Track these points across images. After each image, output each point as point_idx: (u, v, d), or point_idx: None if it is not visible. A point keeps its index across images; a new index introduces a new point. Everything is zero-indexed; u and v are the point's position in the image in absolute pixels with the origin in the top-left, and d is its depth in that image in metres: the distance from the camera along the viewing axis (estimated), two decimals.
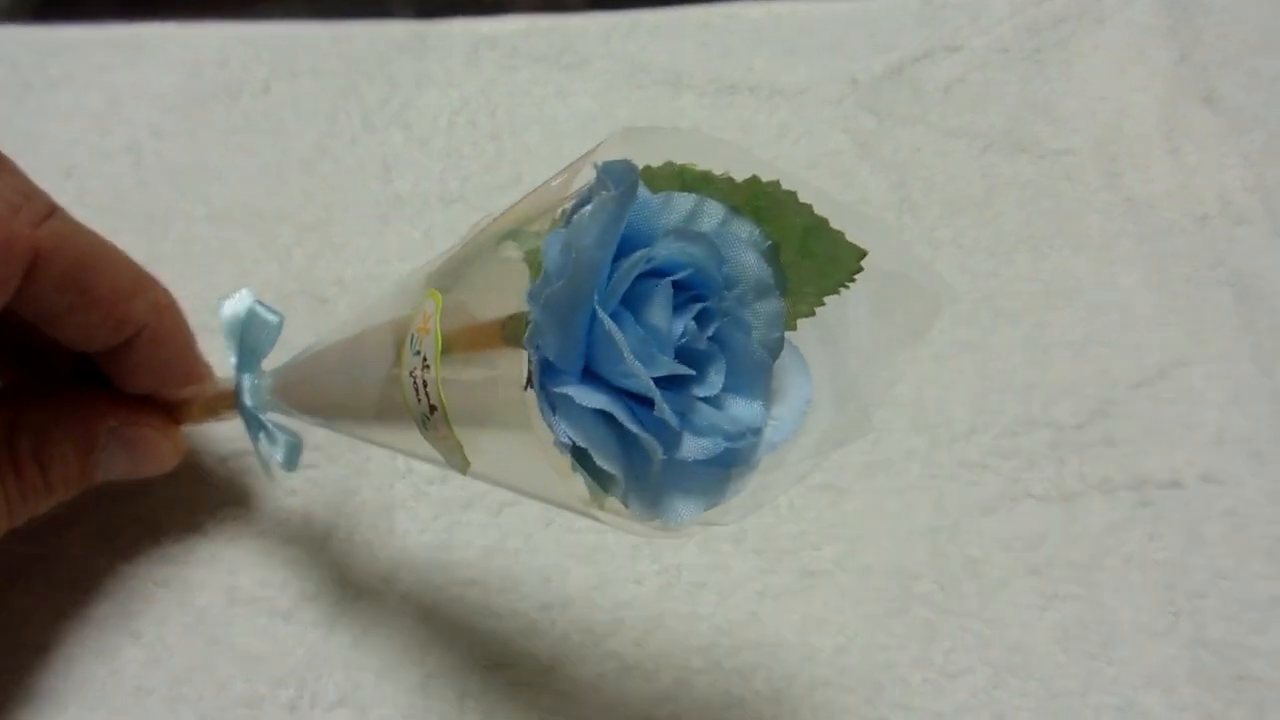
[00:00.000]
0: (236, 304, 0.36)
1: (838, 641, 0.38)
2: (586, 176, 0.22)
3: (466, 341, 0.24)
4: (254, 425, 0.35)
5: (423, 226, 0.46)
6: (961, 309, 0.45)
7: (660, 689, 0.37)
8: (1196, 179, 0.47)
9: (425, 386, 0.22)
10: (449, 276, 0.25)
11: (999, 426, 0.42)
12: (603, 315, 0.21)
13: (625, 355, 0.20)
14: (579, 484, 0.22)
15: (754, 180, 0.23)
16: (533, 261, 0.22)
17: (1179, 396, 0.42)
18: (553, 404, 0.21)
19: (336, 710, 0.37)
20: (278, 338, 0.36)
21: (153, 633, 0.38)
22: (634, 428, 0.21)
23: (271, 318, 0.36)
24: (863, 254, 0.23)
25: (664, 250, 0.22)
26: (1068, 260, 0.46)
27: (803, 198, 0.23)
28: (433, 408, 0.22)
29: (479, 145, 0.48)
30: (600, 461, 0.21)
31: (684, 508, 0.22)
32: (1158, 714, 0.37)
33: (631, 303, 0.22)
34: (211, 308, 0.44)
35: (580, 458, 0.21)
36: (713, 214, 0.22)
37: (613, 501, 0.22)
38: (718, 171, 0.23)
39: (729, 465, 0.23)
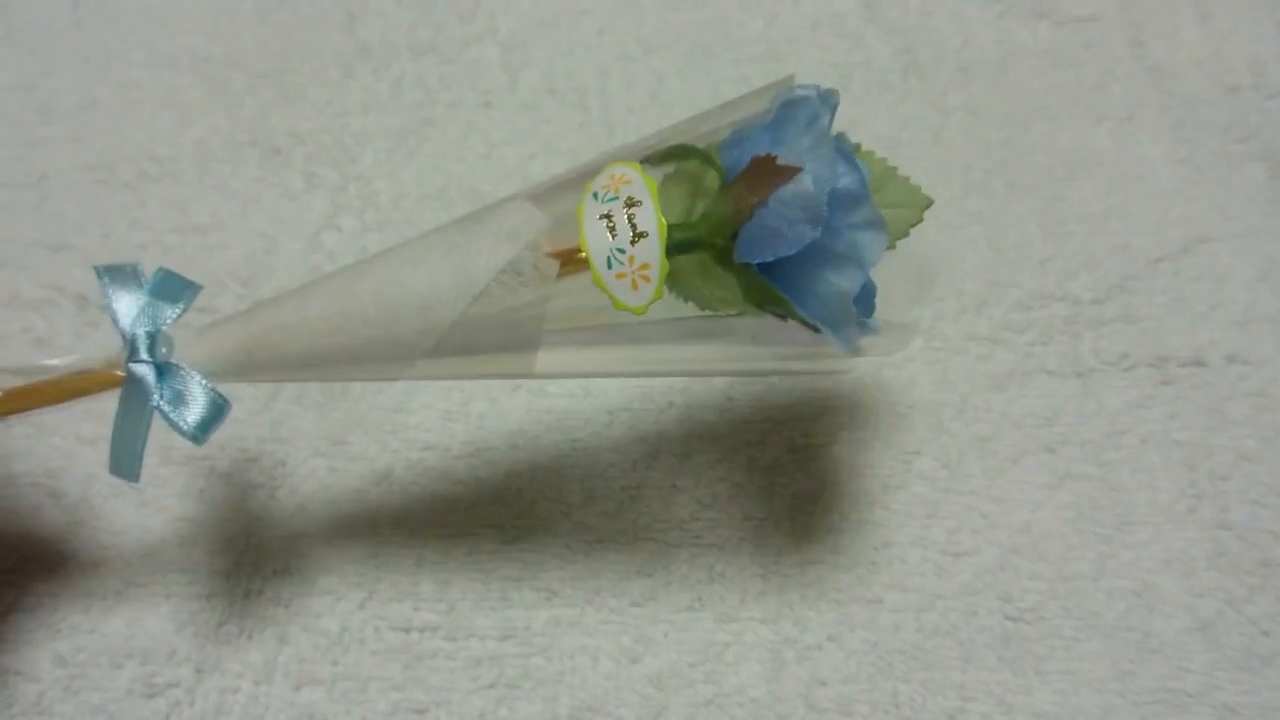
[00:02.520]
0: (118, 266, 0.29)
1: (830, 518, 0.35)
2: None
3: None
4: (150, 386, 0.27)
5: (389, 79, 0.42)
6: (973, 177, 0.41)
7: (635, 563, 0.34)
8: (1227, 48, 0.44)
9: (634, 218, 0.26)
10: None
11: (1011, 300, 0.39)
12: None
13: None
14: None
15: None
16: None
17: (1203, 273, 0.39)
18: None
19: (278, 579, 0.33)
20: (191, 300, 0.28)
21: (77, 492, 0.34)
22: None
23: (185, 282, 0.29)
24: (929, 202, 0.29)
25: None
26: (1087, 130, 0.42)
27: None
28: (641, 234, 0.26)
29: None
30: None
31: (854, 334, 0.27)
32: (1175, 598, 0.34)
33: None
34: (154, 156, 0.40)
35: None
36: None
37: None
38: None
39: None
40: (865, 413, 0.36)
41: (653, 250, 0.26)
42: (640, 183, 0.26)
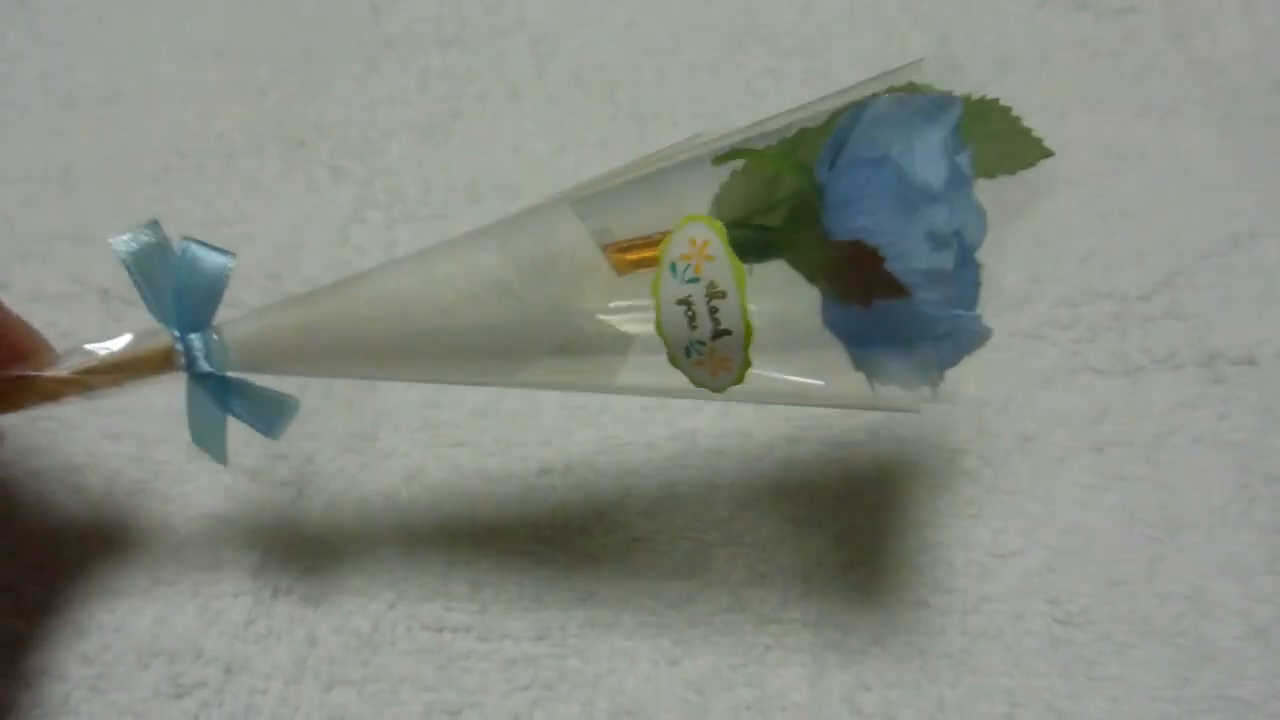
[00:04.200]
0: (137, 239, 0.26)
1: (872, 519, 0.34)
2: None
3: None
4: (215, 394, 0.27)
5: (415, 71, 0.42)
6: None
7: (671, 563, 0.33)
8: (1275, 42, 0.43)
9: (717, 313, 0.23)
10: (643, 193, 0.26)
11: (1055, 295, 0.38)
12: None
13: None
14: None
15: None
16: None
17: (1253, 268, 0.38)
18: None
19: (307, 577, 0.32)
20: (227, 281, 0.27)
21: (101, 488, 0.33)
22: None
23: (217, 258, 0.26)
24: (1047, 153, 0.27)
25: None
26: (1130, 124, 0.41)
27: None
28: (723, 332, 0.23)
29: None
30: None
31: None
32: (1230, 604, 0.33)
33: None
34: (179, 150, 0.39)
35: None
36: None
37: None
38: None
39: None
40: (905, 412, 0.35)
41: (735, 347, 0.24)
42: (724, 262, 0.23)
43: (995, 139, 0.26)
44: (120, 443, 0.34)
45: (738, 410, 0.35)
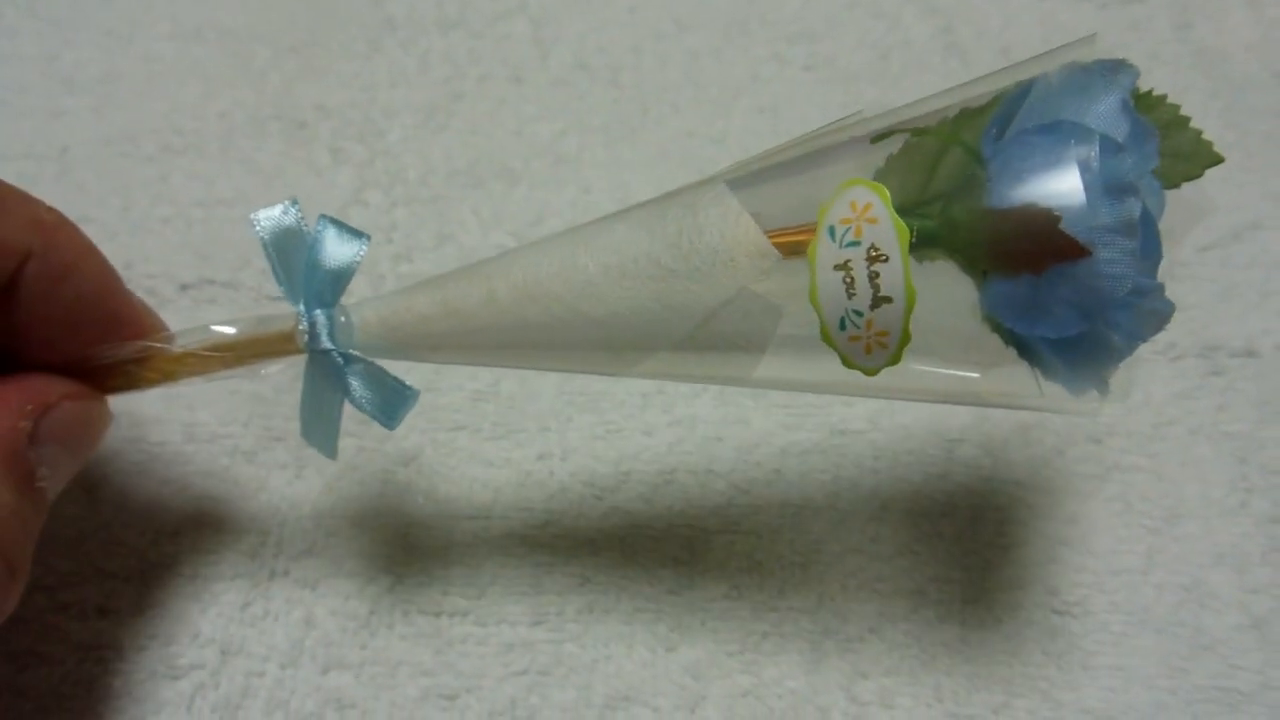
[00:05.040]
0: (280, 217, 0.26)
1: (870, 507, 0.34)
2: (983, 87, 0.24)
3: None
4: (333, 375, 0.26)
5: (417, 53, 0.41)
6: None
7: (670, 549, 0.33)
8: (1277, 31, 0.42)
9: (878, 278, 0.21)
10: (798, 170, 0.24)
11: None
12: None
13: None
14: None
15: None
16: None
17: (1254, 260, 0.38)
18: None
19: (304, 560, 0.32)
20: (360, 263, 0.26)
21: (96, 470, 0.33)
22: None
23: (351, 238, 0.26)
24: (1217, 160, 0.24)
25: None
26: None
27: None
28: (884, 299, 0.21)
29: None
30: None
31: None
32: (1227, 594, 0.33)
33: None
34: (179, 130, 0.39)
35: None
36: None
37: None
38: None
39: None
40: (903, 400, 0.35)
41: (895, 318, 0.22)
42: (888, 224, 0.21)
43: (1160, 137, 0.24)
44: (117, 425, 0.34)
45: (736, 398, 0.35)
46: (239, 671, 0.31)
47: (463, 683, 0.31)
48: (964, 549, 0.33)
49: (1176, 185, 0.24)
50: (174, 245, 0.37)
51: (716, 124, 0.40)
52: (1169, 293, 0.37)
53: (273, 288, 0.35)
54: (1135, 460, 0.35)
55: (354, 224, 0.37)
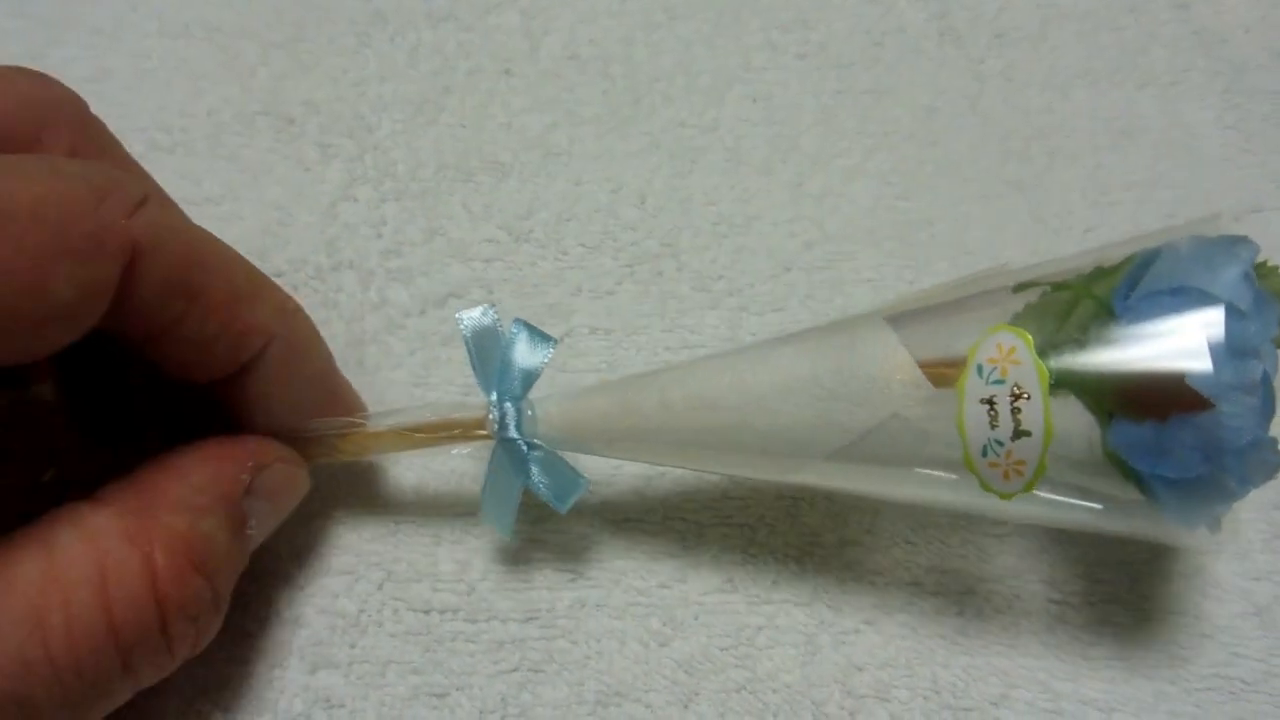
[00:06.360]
0: (480, 318, 0.29)
1: (866, 499, 0.33)
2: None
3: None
4: (517, 462, 0.29)
5: (406, 46, 0.41)
6: (1012, 145, 0.39)
7: (662, 543, 0.33)
8: (1277, 11, 0.42)
9: (1019, 413, 0.24)
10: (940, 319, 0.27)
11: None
12: None
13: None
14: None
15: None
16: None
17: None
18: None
19: (294, 557, 0.32)
20: (546, 362, 0.29)
21: None
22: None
23: (541, 342, 0.29)
24: None
25: None
26: (1132, 96, 0.40)
27: None
28: (1024, 432, 0.24)
29: None
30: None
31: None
32: (1229, 582, 0.32)
33: None
34: (166, 127, 0.39)
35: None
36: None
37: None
38: None
39: None
40: None
41: (1033, 450, 0.24)
42: (1030, 367, 0.24)
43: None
44: None
45: None
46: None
47: (452, 681, 0.31)
48: (961, 539, 0.33)
49: None
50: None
51: (709, 113, 0.40)
52: None
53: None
54: None
55: (344, 220, 0.37)
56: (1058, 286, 0.26)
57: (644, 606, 0.32)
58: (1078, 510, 0.26)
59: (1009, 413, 0.24)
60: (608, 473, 0.33)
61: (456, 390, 0.35)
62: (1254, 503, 0.33)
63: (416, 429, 0.29)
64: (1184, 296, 0.23)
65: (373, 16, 0.42)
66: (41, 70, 0.40)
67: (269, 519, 0.28)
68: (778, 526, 0.33)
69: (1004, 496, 0.25)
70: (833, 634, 0.32)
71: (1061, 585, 0.32)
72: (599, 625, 0.31)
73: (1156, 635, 0.32)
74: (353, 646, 0.31)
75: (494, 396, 0.28)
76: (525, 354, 0.29)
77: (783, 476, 0.28)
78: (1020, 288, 0.26)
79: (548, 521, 0.33)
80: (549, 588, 0.32)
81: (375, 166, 0.38)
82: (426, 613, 0.31)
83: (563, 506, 0.29)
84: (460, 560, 0.32)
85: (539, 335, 0.29)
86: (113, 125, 0.39)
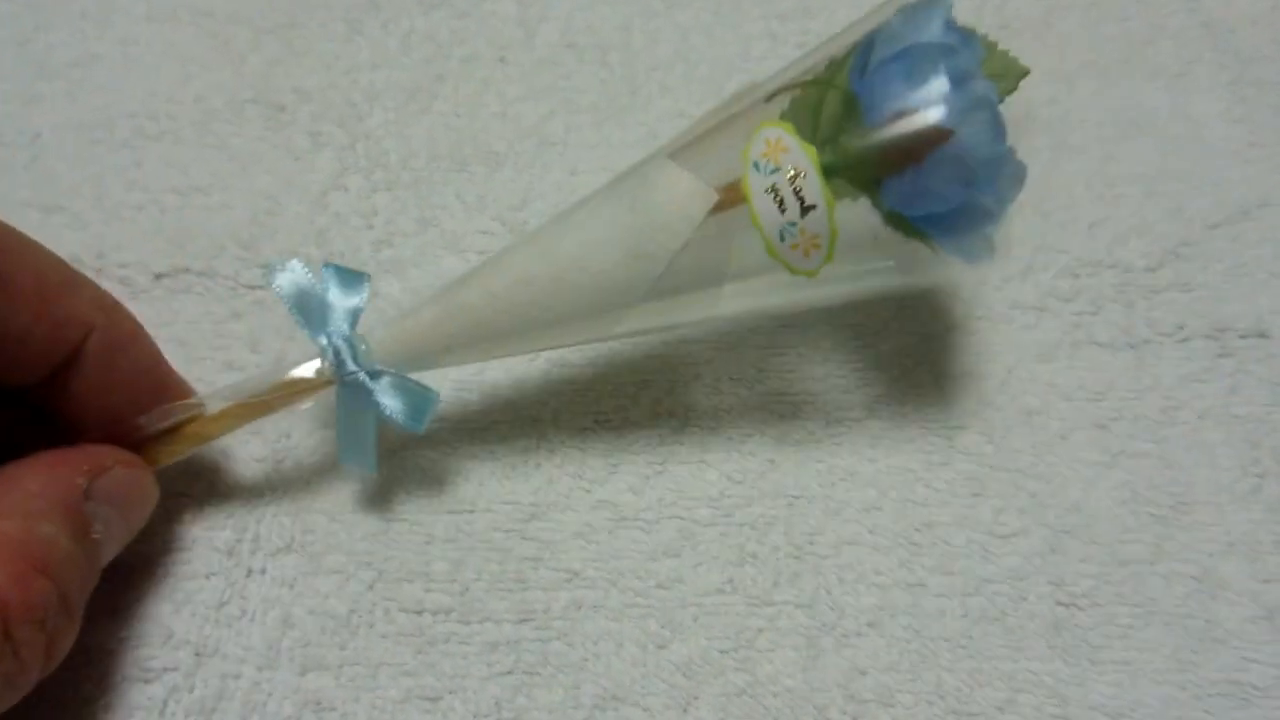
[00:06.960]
0: (293, 276, 0.29)
1: (868, 496, 0.33)
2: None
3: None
4: (362, 396, 0.29)
5: (399, 33, 0.40)
6: (1017, 137, 0.38)
7: (660, 542, 0.32)
8: None
9: (800, 191, 0.27)
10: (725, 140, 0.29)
11: (1058, 266, 0.36)
12: None
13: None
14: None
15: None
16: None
17: (1264, 238, 0.37)
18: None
19: (283, 556, 0.31)
20: (367, 297, 0.30)
21: None
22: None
23: (357, 282, 0.30)
24: (1025, 71, 0.31)
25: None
26: (1139, 88, 0.40)
27: None
28: (809, 207, 0.27)
29: None
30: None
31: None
32: (1239, 584, 0.32)
33: None
34: (154, 114, 0.38)
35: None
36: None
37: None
38: None
39: None
40: (904, 385, 0.34)
41: (821, 221, 0.27)
42: (798, 150, 0.27)
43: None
44: None
45: (729, 388, 0.34)
46: (214, 674, 0.30)
47: (446, 683, 0.30)
48: (966, 539, 0.32)
49: (1000, 100, 0.28)
50: (148, 233, 0.36)
51: (707, 103, 0.39)
52: (1177, 271, 0.36)
53: (250, 276, 0.35)
54: (1142, 446, 0.34)
55: (335, 209, 0.37)
56: (804, 86, 0.28)
57: (642, 608, 0.31)
58: (876, 274, 0.29)
59: (792, 194, 0.27)
60: (606, 470, 0.33)
61: (449, 386, 0.34)
62: (1266, 503, 0.33)
63: (257, 397, 0.28)
64: (906, 56, 0.26)
65: (365, 3, 0.41)
66: (28, 54, 0.39)
67: (117, 526, 0.27)
68: (778, 525, 0.32)
69: (810, 274, 0.27)
70: (835, 637, 0.31)
71: (1068, 586, 0.32)
72: (595, 627, 0.31)
73: (1165, 639, 0.31)
74: (343, 648, 0.30)
75: (323, 339, 0.28)
76: (343, 295, 0.29)
77: (611, 330, 0.29)
78: (771, 96, 0.29)
79: (545, 520, 0.32)
80: (544, 588, 0.31)
81: (367, 155, 0.38)
82: (419, 613, 0.31)
83: (419, 425, 0.29)
84: (453, 560, 0.31)
85: (351, 274, 0.29)
86: (98, 112, 0.38)
